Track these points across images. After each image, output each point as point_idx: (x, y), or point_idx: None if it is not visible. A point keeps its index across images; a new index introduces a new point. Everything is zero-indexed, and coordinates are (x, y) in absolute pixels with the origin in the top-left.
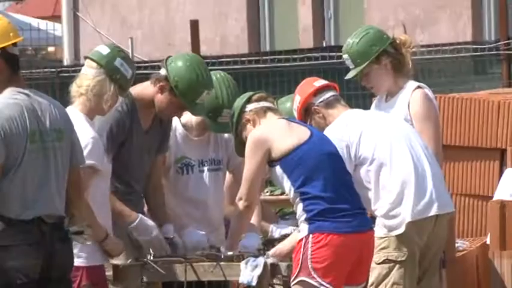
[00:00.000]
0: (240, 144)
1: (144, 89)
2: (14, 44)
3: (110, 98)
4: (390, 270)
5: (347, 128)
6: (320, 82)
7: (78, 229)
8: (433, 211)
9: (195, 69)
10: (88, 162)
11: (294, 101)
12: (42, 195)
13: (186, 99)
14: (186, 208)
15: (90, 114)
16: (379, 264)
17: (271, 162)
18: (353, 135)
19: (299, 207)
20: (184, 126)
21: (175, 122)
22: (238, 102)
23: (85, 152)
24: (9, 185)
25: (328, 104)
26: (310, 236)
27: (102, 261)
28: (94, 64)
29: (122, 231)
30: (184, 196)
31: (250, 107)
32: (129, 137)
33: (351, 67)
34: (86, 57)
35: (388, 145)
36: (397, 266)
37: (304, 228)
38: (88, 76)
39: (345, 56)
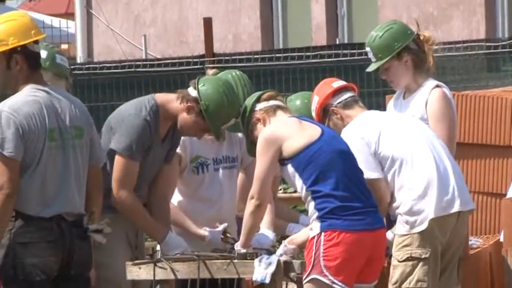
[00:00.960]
0: (252, 144)
1: (169, 102)
2: (36, 42)
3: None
4: (414, 267)
5: (366, 128)
6: (339, 83)
7: (97, 227)
8: (456, 208)
9: (226, 96)
10: None
11: (312, 102)
12: (61, 193)
13: (212, 124)
14: (200, 207)
15: None
16: (402, 261)
17: (282, 160)
18: (372, 134)
19: (311, 206)
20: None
21: None
22: (248, 101)
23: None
24: (28, 182)
25: (346, 105)
26: (322, 234)
27: None
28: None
29: (119, 231)
30: (199, 195)
31: (260, 106)
32: (150, 146)
33: (372, 60)
34: None
35: (408, 143)
36: (421, 263)
37: (316, 226)
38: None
39: (368, 49)
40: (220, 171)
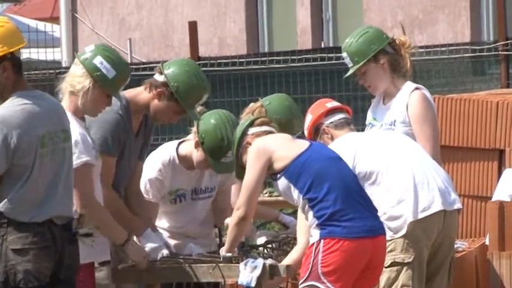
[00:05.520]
0: (240, 168)
1: (138, 94)
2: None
3: (92, 96)
4: (398, 272)
5: (342, 149)
6: (333, 104)
7: (87, 231)
8: (437, 208)
9: (194, 74)
10: (83, 159)
11: (306, 120)
12: (51, 197)
13: (186, 104)
14: (180, 228)
15: (77, 112)
16: (387, 267)
17: (275, 175)
18: (348, 154)
19: (310, 215)
20: (182, 158)
21: (172, 153)
22: (241, 125)
23: (77, 149)
24: (21, 191)
25: (337, 126)
26: (322, 241)
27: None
28: (78, 61)
29: None
30: (177, 220)
31: (252, 130)
32: (125, 140)
33: (349, 65)
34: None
35: (383, 156)
36: (405, 268)
37: (315, 233)
38: (72, 74)
39: (344, 54)
40: (197, 201)
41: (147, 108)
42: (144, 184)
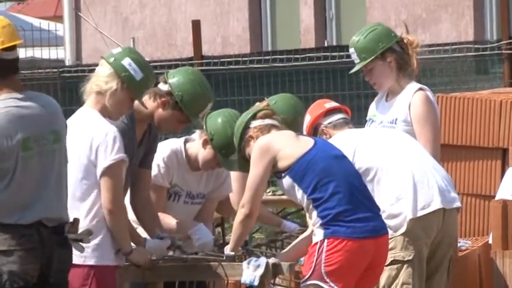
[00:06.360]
0: (243, 159)
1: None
2: (12, 48)
3: (118, 97)
4: (399, 270)
5: (342, 145)
6: (331, 104)
7: (76, 237)
8: (436, 206)
9: (198, 83)
10: (120, 155)
11: (304, 120)
12: (40, 199)
13: (190, 113)
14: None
15: (103, 111)
16: (387, 266)
17: (279, 174)
18: (348, 150)
19: (314, 214)
20: (188, 157)
21: (181, 147)
22: (244, 117)
23: (116, 146)
24: (4, 193)
25: (336, 126)
26: (325, 241)
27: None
28: (105, 62)
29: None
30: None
31: (255, 123)
32: (129, 150)
33: (356, 61)
34: (102, 57)
35: (383, 154)
36: (405, 265)
37: (319, 232)
38: (98, 74)
39: (351, 50)
40: (189, 205)
41: (151, 117)
42: (154, 169)
